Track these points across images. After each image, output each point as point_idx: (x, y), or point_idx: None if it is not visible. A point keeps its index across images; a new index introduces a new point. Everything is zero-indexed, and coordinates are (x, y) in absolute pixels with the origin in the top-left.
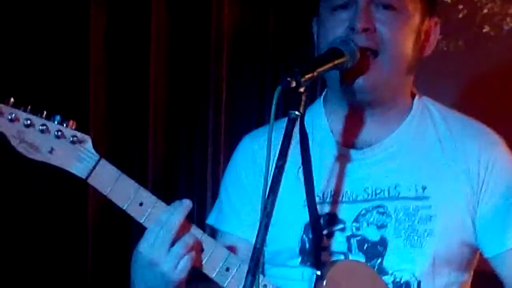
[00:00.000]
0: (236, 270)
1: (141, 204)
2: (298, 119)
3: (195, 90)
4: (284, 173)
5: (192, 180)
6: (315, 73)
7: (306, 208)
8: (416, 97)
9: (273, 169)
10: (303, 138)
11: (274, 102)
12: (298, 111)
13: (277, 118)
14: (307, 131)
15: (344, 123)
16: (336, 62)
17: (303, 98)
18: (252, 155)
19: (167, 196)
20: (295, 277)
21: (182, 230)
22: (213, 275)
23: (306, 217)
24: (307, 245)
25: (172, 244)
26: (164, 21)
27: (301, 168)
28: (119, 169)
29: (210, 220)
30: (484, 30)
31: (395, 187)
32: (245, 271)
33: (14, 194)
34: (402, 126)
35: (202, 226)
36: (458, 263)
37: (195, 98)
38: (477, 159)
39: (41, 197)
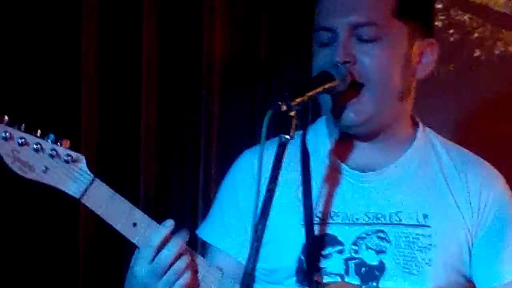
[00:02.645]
0: None
1: (134, 225)
2: (288, 143)
3: (187, 115)
4: (283, 192)
5: (183, 200)
6: (305, 97)
7: (304, 227)
8: (420, 127)
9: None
10: (304, 157)
11: (264, 125)
12: (289, 135)
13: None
14: (309, 150)
15: (345, 148)
16: (326, 86)
17: (294, 121)
18: (251, 171)
19: (159, 212)
20: None
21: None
22: None
23: (304, 237)
24: (304, 265)
25: (169, 267)
26: (155, 45)
27: (301, 187)
28: (112, 187)
29: (200, 231)
30: (475, 55)
31: (397, 214)
32: None
33: (8, 211)
34: (406, 154)
35: (194, 239)
36: None
37: (186, 123)
38: (478, 194)
39: (33, 214)
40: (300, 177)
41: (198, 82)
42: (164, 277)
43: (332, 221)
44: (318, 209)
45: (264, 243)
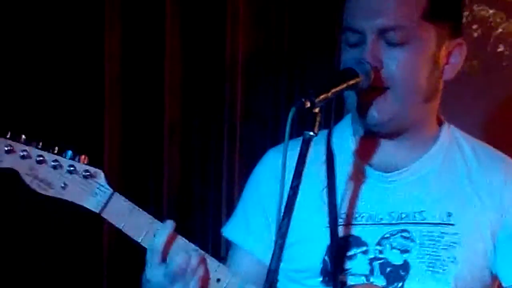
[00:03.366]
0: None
1: (155, 236)
2: (313, 139)
3: (210, 114)
4: (308, 193)
5: (206, 198)
6: (329, 94)
7: (329, 229)
8: (445, 125)
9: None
10: (330, 157)
11: (288, 123)
12: (313, 131)
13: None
14: (334, 150)
15: (370, 147)
16: (350, 82)
17: (318, 118)
18: (276, 169)
19: (183, 213)
20: None
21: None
22: None
23: (328, 238)
24: (329, 266)
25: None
26: (178, 41)
27: (326, 189)
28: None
29: (224, 230)
30: (498, 50)
31: (421, 213)
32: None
33: (30, 225)
34: (430, 153)
35: (218, 241)
36: None
37: (209, 121)
38: (502, 191)
39: (56, 228)
40: (325, 178)
41: (221, 78)
42: (178, 279)
43: (356, 222)
44: (342, 210)
45: (289, 244)
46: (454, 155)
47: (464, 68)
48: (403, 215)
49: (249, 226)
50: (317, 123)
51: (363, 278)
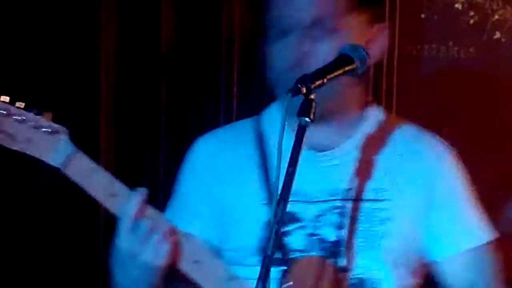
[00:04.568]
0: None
1: (113, 196)
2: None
3: (206, 95)
4: (243, 172)
5: None
6: (325, 80)
7: (266, 206)
8: (374, 106)
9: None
10: (260, 140)
11: (284, 108)
12: (309, 117)
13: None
14: (266, 132)
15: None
16: (346, 68)
17: (314, 104)
18: (211, 157)
19: None
20: (254, 276)
21: (155, 219)
22: (186, 267)
23: (266, 216)
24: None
25: (151, 231)
26: (173, 22)
27: (261, 167)
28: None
29: None
30: (495, 37)
31: (354, 189)
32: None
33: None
34: (360, 132)
35: None
36: (414, 267)
37: (205, 102)
38: (430, 167)
39: (53, 213)
40: (259, 157)
41: (217, 59)
42: (148, 241)
43: (292, 199)
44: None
45: (225, 223)
46: (383, 133)
47: (461, 55)
48: (337, 192)
49: (190, 210)
50: (312, 109)
51: (301, 253)
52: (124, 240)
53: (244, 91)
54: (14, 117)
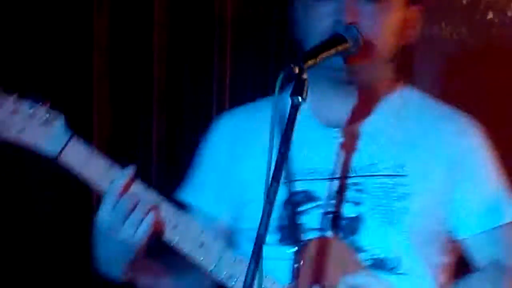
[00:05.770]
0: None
1: (112, 183)
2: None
3: (198, 80)
4: (261, 151)
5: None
6: (317, 60)
7: (285, 185)
8: (401, 84)
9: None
10: (279, 118)
11: (277, 88)
12: (302, 97)
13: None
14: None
15: (325, 103)
16: (339, 48)
17: (306, 84)
18: (232, 134)
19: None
20: (272, 255)
21: (135, 196)
22: (173, 242)
23: (284, 194)
24: (286, 222)
25: (132, 210)
26: (165, 11)
27: (279, 146)
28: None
29: (175, 195)
30: (488, 17)
31: (373, 165)
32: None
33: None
34: (384, 108)
35: None
36: (436, 243)
37: (199, 82)
38: (454, 143)
39: (45, 206)
40: (278, 135)
41: (210, 43)
42: (131, 214)
43: (309, 178)
44: (297, 166)
45: (244, 203)
46: (407, 109)
47: (453, 36)
48: (356, 168)
49: (202, 186)
50: (305, 88)
51: (318, 232)
52: (106, 215)
53: (237, 68)
54: (7, 107)
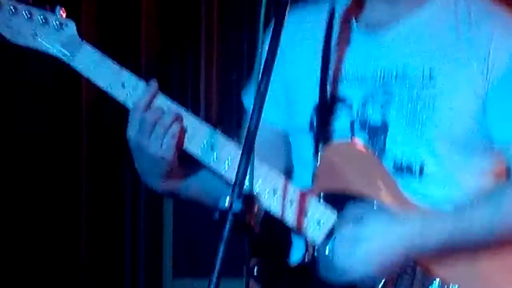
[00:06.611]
0: (221, 148)
1: (123, 85)
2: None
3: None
4: (303, 53)
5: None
6: None
7: (316, 89)
8: None
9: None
10: (330, 20)
11: (263, 4)
12: None
13: None
14: (317, 14)
15: (358, 6)
16: None
17: None
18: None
19: None
20: (306, 155)
21: (159, 111)
22: (198, 153)
23: (317, 97)
24: (315, 124)
25: (156, 123)
26: None
27: (321, 47)
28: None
29: (243, 96)
30: None
31: (403, 66)
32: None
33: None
34: (419, 9)
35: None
36: (467, 147)
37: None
38: (489, 45)
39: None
40: (321, 39)
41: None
42: (155, 129)
43: (342, 81)
44: (330, 69)
45: (281, 100)
46: (444, 11)
47: None
48: (387, 70)
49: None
50: None
51: (346, 134)
52: (133, 132)
53: (224, 34)
54: (22, 13)
